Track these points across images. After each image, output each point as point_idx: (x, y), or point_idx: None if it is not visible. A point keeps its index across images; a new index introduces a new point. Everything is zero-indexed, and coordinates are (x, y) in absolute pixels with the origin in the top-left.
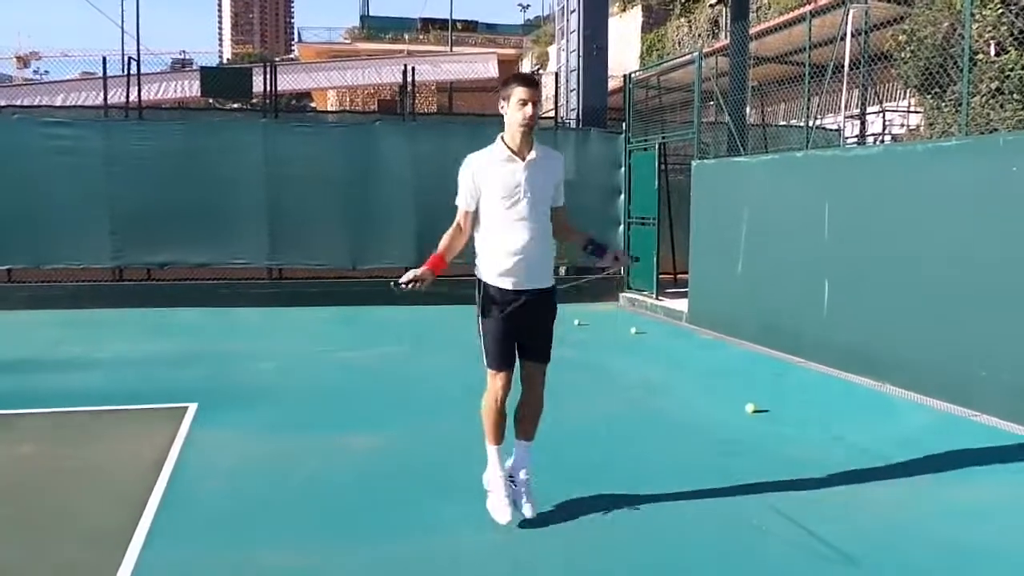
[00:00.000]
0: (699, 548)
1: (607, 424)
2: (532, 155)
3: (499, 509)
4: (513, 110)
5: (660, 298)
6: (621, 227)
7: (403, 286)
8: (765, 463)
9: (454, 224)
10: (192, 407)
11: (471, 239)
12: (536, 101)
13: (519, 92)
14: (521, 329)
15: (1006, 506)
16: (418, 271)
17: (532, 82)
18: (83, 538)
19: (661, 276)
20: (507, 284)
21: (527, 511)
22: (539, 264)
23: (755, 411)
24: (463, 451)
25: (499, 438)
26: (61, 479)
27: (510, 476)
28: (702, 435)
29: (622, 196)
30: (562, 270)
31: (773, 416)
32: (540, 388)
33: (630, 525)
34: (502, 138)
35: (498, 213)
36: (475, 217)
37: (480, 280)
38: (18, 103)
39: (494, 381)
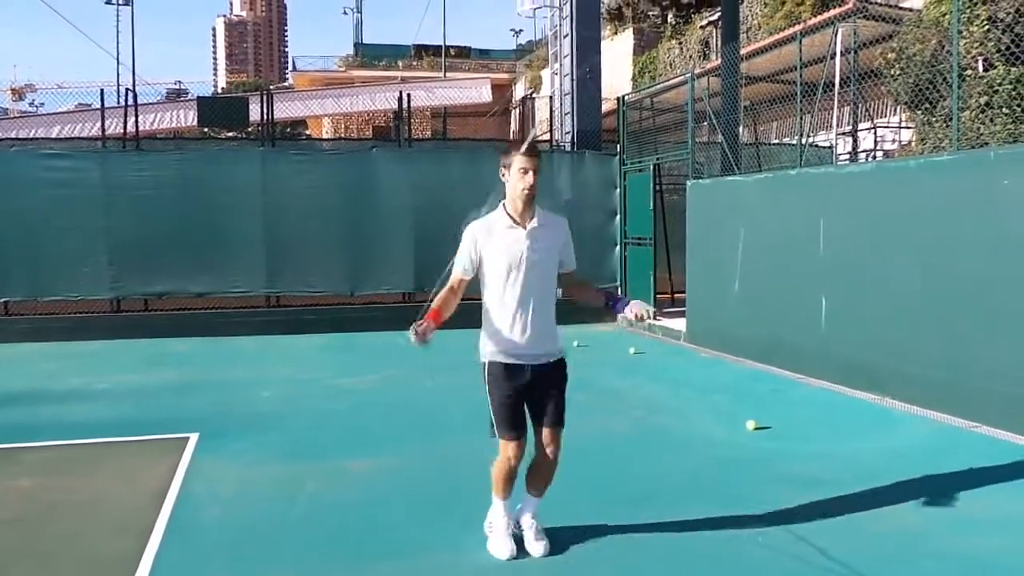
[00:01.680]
0: (706, 566)
1: (610, 443)
2: (534, 223)
3: (500, 546)
4: (514, 179)
5: (658, 318)
6: (617, 248)
7: (418, 340)
8: (768, 479)
9: (447, 286)
10: (193, 437)
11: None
12: (536, 169)
13: (520, 161)
14: (532, 398)
15: (1012, 518)
16: (422, 325)
17: (532, 151)
18: (89, 568)
19: (658, 296)
20: (512, 360)
21: (538, 550)
22: (544, 335)
23: (756, 428)
24: (466, 473)
25: (508, 494)
26: (65, 510)
27: (517, 522)
28: (705, 453)
29: (618, 217)
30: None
31: (774, 432)
32: (556, 453)
33: (636, 544)
34: (504, 206)
35: (500, 283)
36: (472, 284)
37: (483, 363)
38: (14, 135)
39: (506, 449)
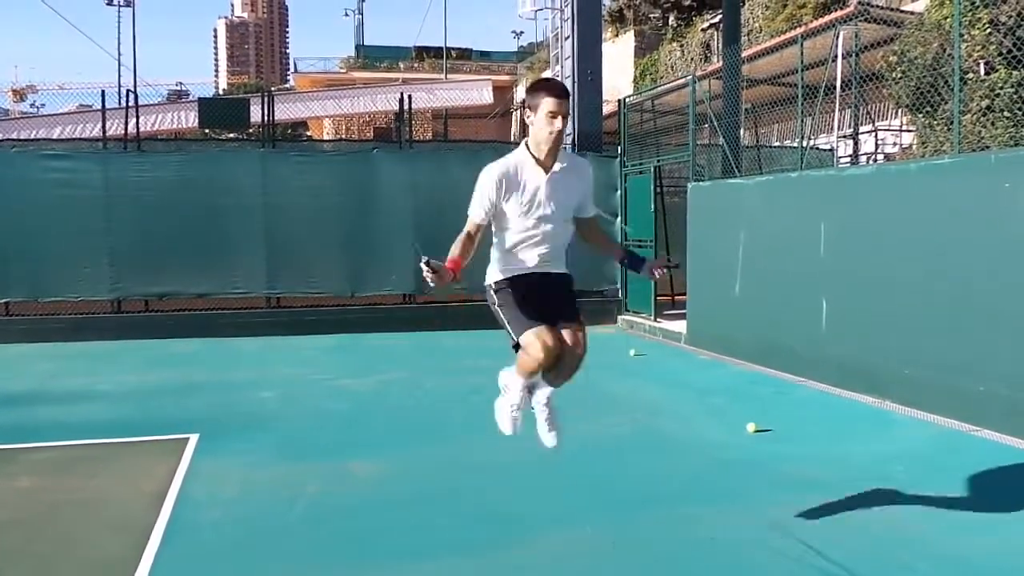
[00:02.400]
0: (706, 569)
1: (610, 445)
2: (557, 167)
3: (506, 418)
4: (541, 122)
5: (659, 320)
6: None
7: (427, 271)
8: (768, 482)
9: (464, 233)
10: (193, 438)
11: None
12: (567, 114)
13: (548, 104)
14: (542, 299)
15: (1012, 522)
16: (441, 266)
17: (563, 92)
18: (88, 569)
19: (659, 298)
20: (514, 273)
21: (550, 440)
22: (550, 263)
23: (756, 430)
24: (469, 475)
25: (531, 378)
26: (63, 512)
27: (528, 399)
28: (705, 455)
29: (619, 219)
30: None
31: (775, 435)
32: (581, 346)
33: (635, 547)
34: (526, 145)
35: (515, 223)
36: (489, 227)
37: (490, 286)
38: (15, 136)
39: (533, 343)
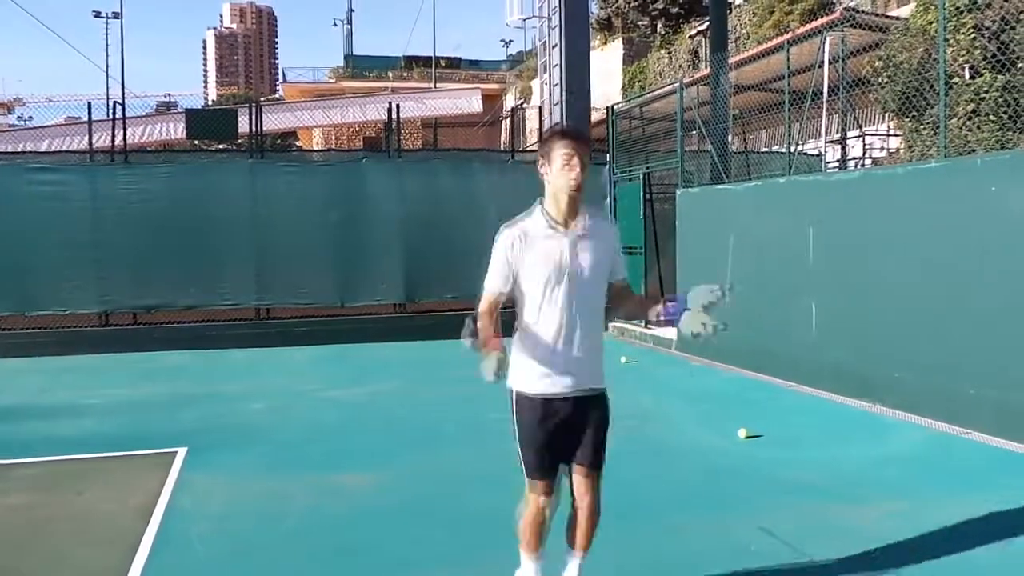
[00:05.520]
0: (697, 575)
1: None
2: (578, 227)
3: None
4: (558, 171)
5: (649, 327)
6: None
7: (499, 375)
8: (760, 488)
9: (484, 312)
10: (182, 451)
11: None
12: (584, 160)
13: (563, 148)
14: (565, 436)
15: (1003, 526)
16: (495, 355)
17: (578, 136)
18: None
19: None
20: (545, 388)
21: None
22: (586, 361)
23: (748, 436)
24: (462, 485)
25: (537, 547)
26: (52, 527)
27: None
28: (696, 462)
29: None
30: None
31: (766, 440)
32: (594, 499)
33: (626, 554)
34: (541, 204)
35: (538, 298)
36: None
37: (512, 390)
38: (2, 150)
39: (533, 491)
